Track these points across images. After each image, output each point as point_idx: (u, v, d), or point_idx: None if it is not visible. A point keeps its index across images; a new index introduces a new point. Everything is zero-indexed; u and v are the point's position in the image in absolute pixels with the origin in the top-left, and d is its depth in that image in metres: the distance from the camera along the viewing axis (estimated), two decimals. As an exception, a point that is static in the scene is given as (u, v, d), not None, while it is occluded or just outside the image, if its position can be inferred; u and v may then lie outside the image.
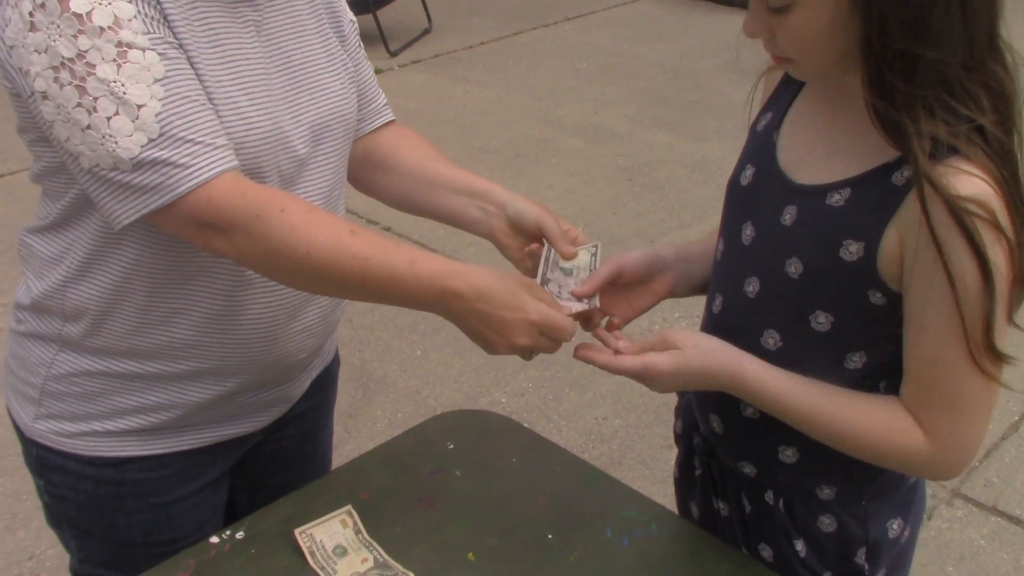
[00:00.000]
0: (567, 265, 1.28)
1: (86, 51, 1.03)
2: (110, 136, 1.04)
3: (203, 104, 1.09)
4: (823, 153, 1.12)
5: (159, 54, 1.06)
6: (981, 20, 0.98)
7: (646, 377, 1.15)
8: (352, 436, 2.84)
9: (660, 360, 1.14)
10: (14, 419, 1.36)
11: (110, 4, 1.03)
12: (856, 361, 1.12)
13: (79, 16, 1.02)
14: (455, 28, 6.35)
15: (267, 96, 1.19)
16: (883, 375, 1.12)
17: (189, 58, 1.10)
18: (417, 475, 1.36)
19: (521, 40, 6.24)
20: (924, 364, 1.06)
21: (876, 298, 1.07)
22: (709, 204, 4.13)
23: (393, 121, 1.50)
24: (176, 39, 1.09)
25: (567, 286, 1.26)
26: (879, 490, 1.21)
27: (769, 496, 1.25)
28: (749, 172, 1.20)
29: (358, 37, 1.42)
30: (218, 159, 1.08)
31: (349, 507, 1.27)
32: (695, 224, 3.99)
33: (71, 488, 1.33)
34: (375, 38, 5.84)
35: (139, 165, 1.05)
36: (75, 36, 1.02)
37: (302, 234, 1.09)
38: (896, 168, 1.03)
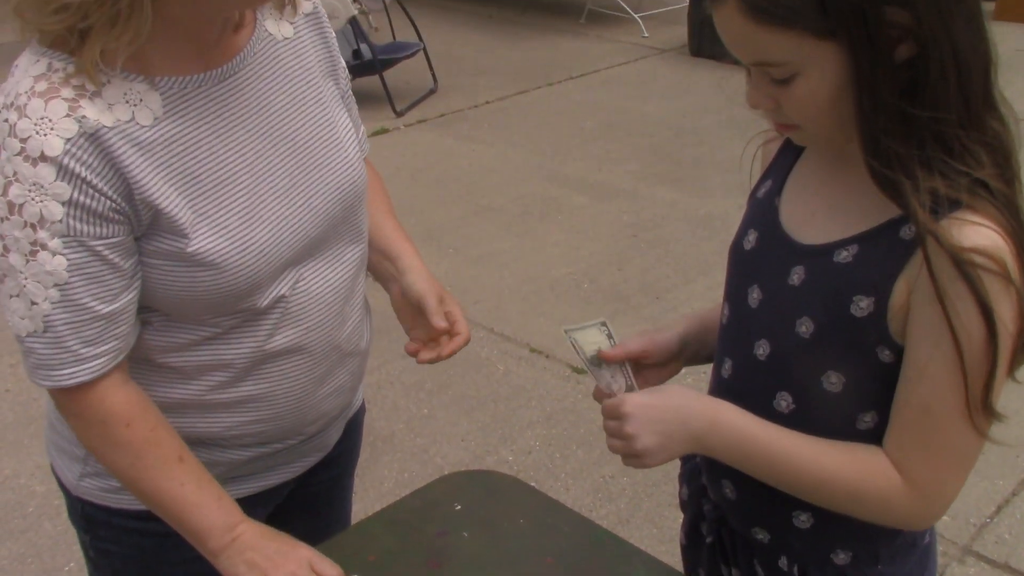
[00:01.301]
0: (591, 352, 1.26)
1: (5, 236, 1.09)
2: (7, 308, 1.13)
3: (96, 312, 1.14)
4: (826, 213, 1.13)
5: (68, 260, 1.11)
6: (976, 78, 1.00)
7: (623, 412, 1.15)
8: (359, 496, 2.81)
9: (637, 395, 1.17)
10: (59, 477, 1.39)
11: (42, 201, 1.08)
12: (868, 421, 1.12)
13: (11, 204, 1.08)
14: (460, 88, 6.43)
15: (264, 203, 1.21)
16: None
17: (160, 211, 1.14)
18: (424, 537, 1.36)
19: (525, 99, 6.31)
20: (916, 411, 1.06)
21: (885, 356, 1.08)
22: (714, 260, 4.14)
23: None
24: (132, 210, 1.13)
25: (603, 378, 1.25)
26: (894, 553, 1.20)
27: (783, 562, 1.24)
28: (752, 237, 1.21)
29: (349, 84, 1.45)
30: (83, 370, 1.16)
31: None
32: (700, 280, 4.00)
33: (116, 542, 1.36)
34: (381, 98, 5.91)
35: (23, 343, 1.16)
36: (2, 220, 1.09)
37: (135, 450, 1.20)
38: (903, 223, 1.04)
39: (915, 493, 1.08)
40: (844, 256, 1.08)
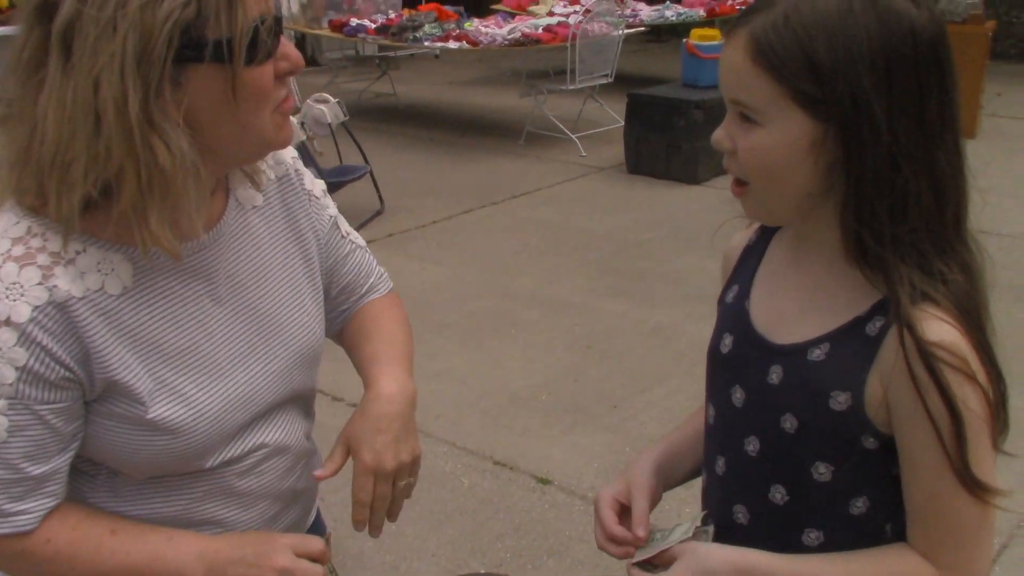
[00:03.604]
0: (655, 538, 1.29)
1: None
2: None
3: (26, 473, 1.15)
4: (795, 313, 1.20)
5: (9, 421, 1.12)
6: (950, 206, 1.09)
7: None
8: (331, 616, 2.78)
9: None
10: None
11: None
12: (860, 507, 1.18)
13: None
14: (407, 208, 6.55)
15: (221, 370, 1.25)
16: (886, 517, 1.18)
17: (117, 381, 1.16)
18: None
19: (471, 218, 6.45)
20: (924, 501, 1.12)
21: (869, 443, 1.14)
22: (666, 368, 4.24)
23: (389, 293, 1.57)
24: (87, 377, 1.15)
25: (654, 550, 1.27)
26: None
27: None
28: (728, 340, 1.28)
29: (338, 229, 1.47)
30: (4, 524, 1.15)
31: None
32: (655, 388, 4.08)
33: None
34: (330, 220, 6.01)
35: None
36: None
37: (65, 557, 1.19)
38: (868, 320, 1.12)
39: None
40: (817, 354, 1.15)
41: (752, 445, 1.23)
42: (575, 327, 4.73)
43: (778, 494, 1.22)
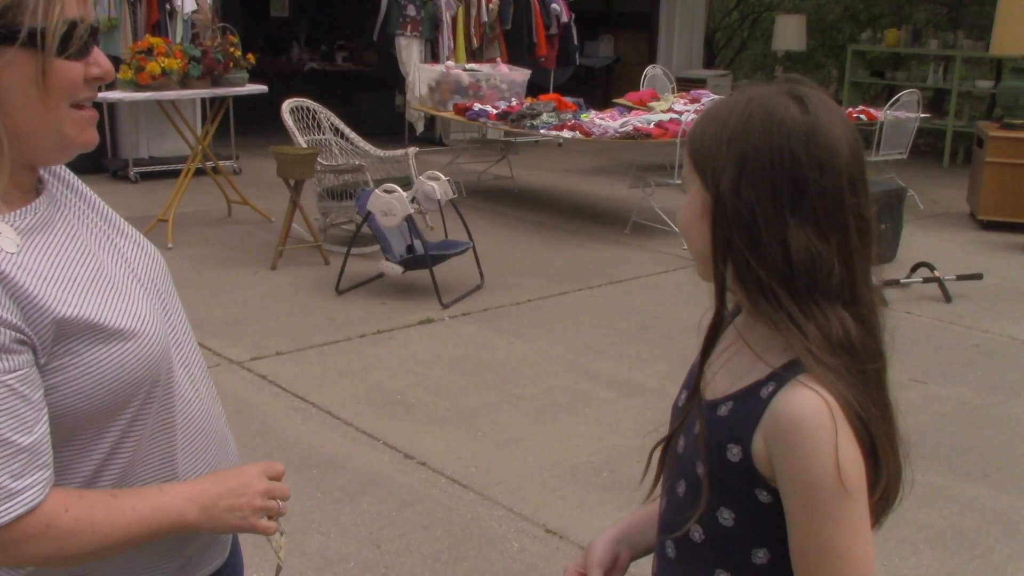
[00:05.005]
0: None
1: None
2: None
3: (19, 444, 1.18)
4: (722, 375, 1.38)
5: None
6: (801, 273, 1.24)
7: None
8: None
9: None
10: None
11: None
12: (761, 557, 1.31)
13: None
14: (505, 286, 6.80)
15: (122, 283, 1.36)
16: (789, 571, 1.29)
17: (64, 318, 1.23)
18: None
19: (565, 300, 6.65)
20: (803, 555, 1.25)
21: (763, 496, 1.28)
22: (731, 458, 4.29)
23: None
24: (33, 331, 1.21)
25: None
26: None
27: None
28: (683, 396, 1.47)
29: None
30: (17, 503, 1.19)
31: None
32: (716, 476, 4.14)
33: None
34: (430, 291, 6.30)
35: None
36: None
37: (87, 524, 1.26)
38: (765, 384, 1.28)
39: None
40: (723, 411, 1.32)
41: (681, 487, 1.40)
42: (648, 411, 4.84)
43: (696, 533, 1.37)
